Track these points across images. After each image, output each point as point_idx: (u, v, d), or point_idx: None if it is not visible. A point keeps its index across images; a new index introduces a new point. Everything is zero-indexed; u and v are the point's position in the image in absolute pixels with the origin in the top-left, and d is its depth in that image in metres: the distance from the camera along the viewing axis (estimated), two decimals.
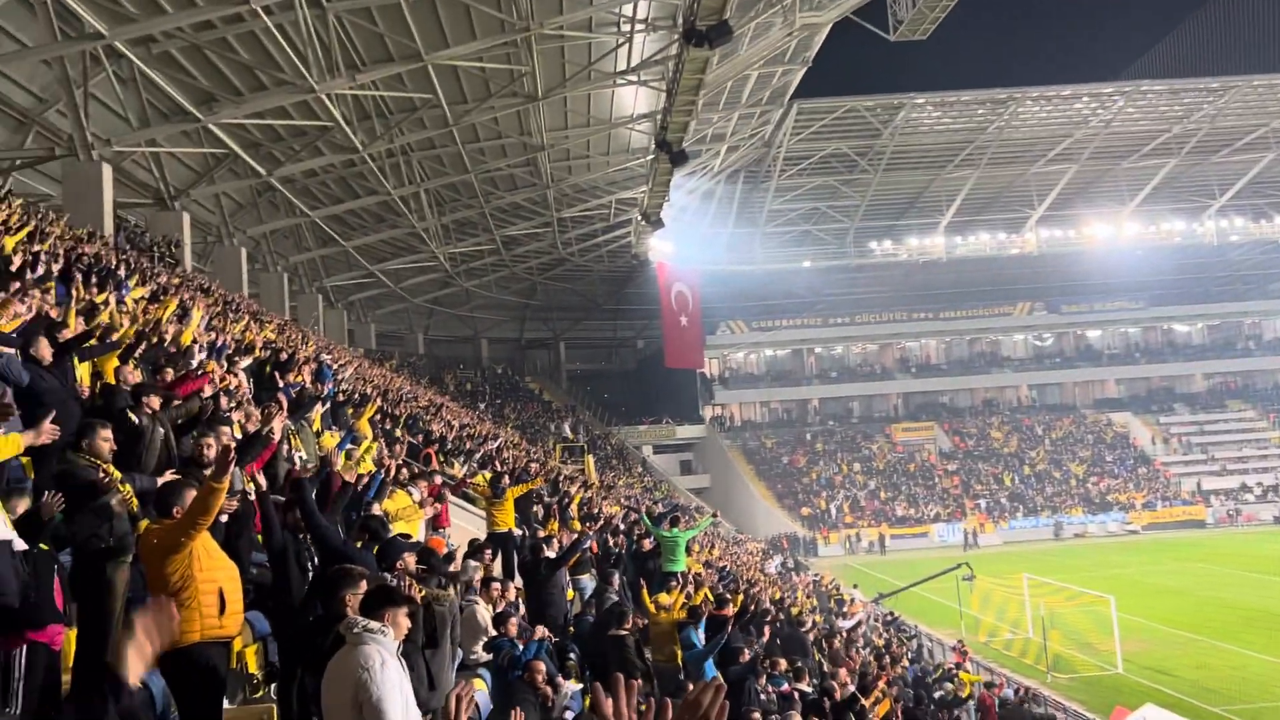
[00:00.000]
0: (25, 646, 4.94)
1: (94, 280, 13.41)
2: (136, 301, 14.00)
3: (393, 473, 10.44)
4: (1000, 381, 73.33)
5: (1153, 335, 76.04)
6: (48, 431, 4.79)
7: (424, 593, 6.52)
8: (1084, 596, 30.24)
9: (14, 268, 9.42)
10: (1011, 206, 69.18)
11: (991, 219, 70.25)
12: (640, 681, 9.82)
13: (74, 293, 10.42)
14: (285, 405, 9.23)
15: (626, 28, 34.38)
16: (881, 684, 14.63)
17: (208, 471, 6.29)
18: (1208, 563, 41.88)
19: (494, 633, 8.98)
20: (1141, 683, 23.68)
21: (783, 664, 12.51)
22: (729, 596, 13.47)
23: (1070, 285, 74.69)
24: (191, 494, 5.28)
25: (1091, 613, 29.09)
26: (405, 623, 4.60)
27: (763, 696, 11.18)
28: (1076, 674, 25.49)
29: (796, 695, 12.02)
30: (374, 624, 4.42)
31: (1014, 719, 17.88)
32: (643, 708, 1.83)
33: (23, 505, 5.21)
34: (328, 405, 15.01)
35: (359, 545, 7.01)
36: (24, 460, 6.51)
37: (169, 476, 6.82)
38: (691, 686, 1.81)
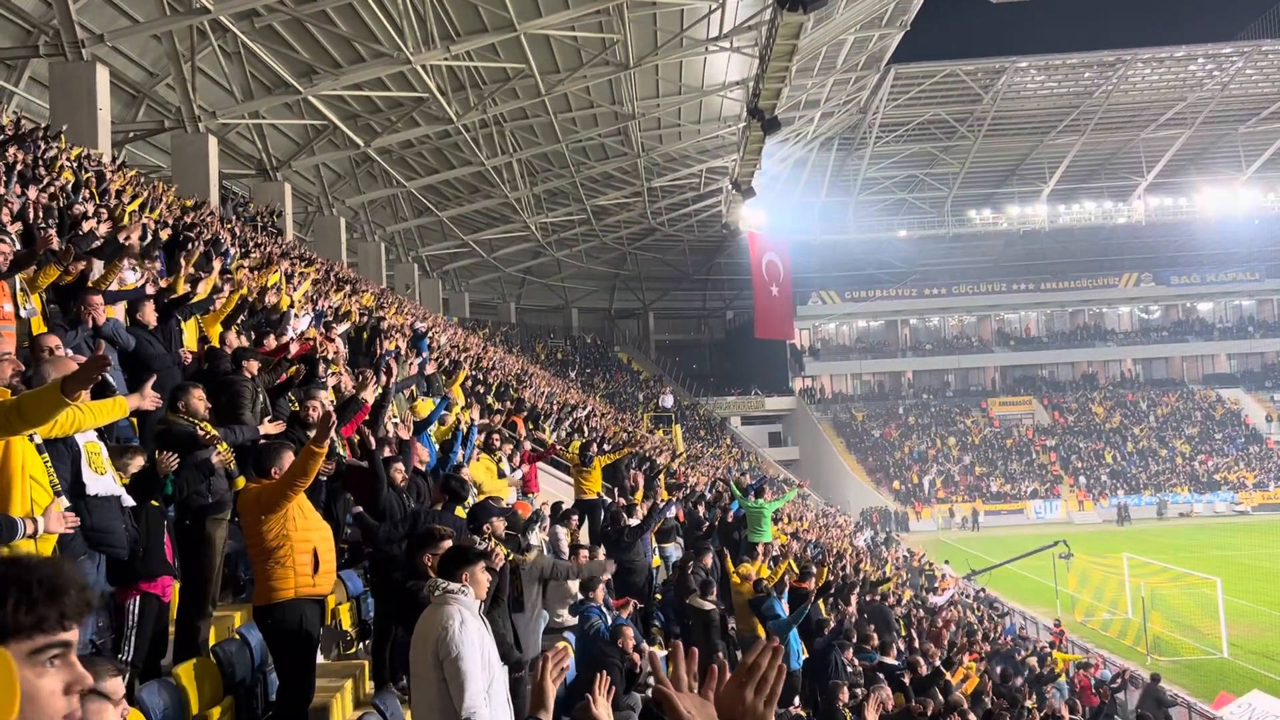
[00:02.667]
0: (139, 597, 5.19)
1: (200, 248, 13.89)
2: (240, 269, 14.46)
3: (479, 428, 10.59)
4: (1103, 355, 70.80)
5: (1268, 309, 72.42)
6: (151, 398, 4.97)
7: (510, 556, 6.62)
8: (1188, 578, 29.18)
9: (125, 237, 9.81)
10: (1118, 174, 66.63)
11: (1097, 187, 67.78)
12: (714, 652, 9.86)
13: (182, 261, 10.80)
14: (384, 372, 9.43)
15: None
16: (969, 660, 14.41)
17: (308, 434, 6.48)
18: None
19: (580, 597, 9.09)
20: (1248, 668, 22.79)
21: (874, 639, 12.40)
22: (814, 569, 13.38)
23: (1180, 256, 71.68)
24: (289, 455, 5.44)
25: (1196, 594, 28.07)
26: (485, 579, 4.69)
27: (849, 669, 11.11)
28: (1179, 657, 24.67)
29: (886, 669, 11.92)
30: (453, 584, 4.53)
31: (1151, 698, 17.38)
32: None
33: (136, 464, 5.43)
34: (423, 378, 15.28)
35: (439, 507, 7.12)
36: (132, 421, 6.81)
37: (270, 427, 7.04)
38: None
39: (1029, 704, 12.47)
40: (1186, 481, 58.20)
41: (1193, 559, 33.80)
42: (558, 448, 16.06)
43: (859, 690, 10.37)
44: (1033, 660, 19.59)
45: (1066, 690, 19.47)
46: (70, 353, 5.74)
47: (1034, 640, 25.05)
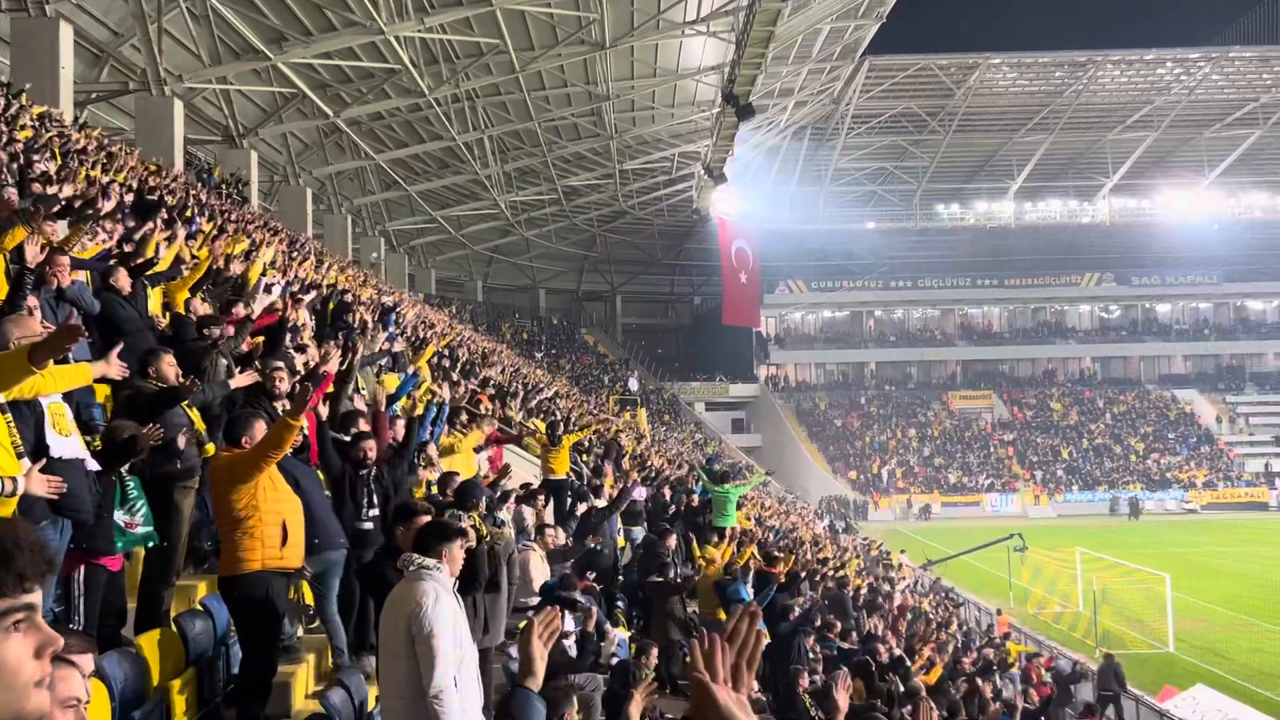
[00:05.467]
0: (83, 567, 5.04)
1: (165, 214, 13.61)
2: (205, 236, 14.19)
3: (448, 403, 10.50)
4: (1063, 353, 71.76)
5: (1224, 312, 73.76)
6: (117, 366, 4.82)
7: (486, 532, 6.55)
8: (1138, 573, 29.74)
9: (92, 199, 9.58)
10: (1085, 174, 67.38)
11: (1063, 186, 68.54)
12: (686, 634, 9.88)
13: (153, 224, 10.57)
14: (348, 346, 9.31)
15: None
16: (928, 649, 14.57)
17: (279, 404, 6.37)
18: (1269, 545, 40.88)
19: (547, 578, 9.05)
20: (1193, 663, 23.29)
21: (837, 625, 12.49)
22: (779, 555, 13.44)
23: (1141, 257, 72.66)
24: (260, 425, 5.34)
25: (1145, 590, 28.62)
26: (460, 556, 4.64)
27: (810, 655, 11.18)
28: (1127, 650, 25.09)
29: (845, 656, 12.00)
30: (429, 560, 4.46)
31: (1110, 673, 17.71)
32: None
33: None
34: (390, 354, 15.11)
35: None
36: (98, 388, 6.64)
37: (243, 378, 6.90)
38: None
39: (987, 693, 12.62)
40: (1139, 479, 59.24)
41: (1144, 555, 34.43)
42: (526, 428, 15.98)
43: (819, 677, 10.44)
44: (988, 650, 19.85)
45: (1019, 680, 19.76)
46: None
47: (988, 629, 25.40)
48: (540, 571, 9.15)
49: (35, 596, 1.34)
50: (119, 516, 5.08)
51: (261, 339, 8.87)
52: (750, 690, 1.68)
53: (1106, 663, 19.06)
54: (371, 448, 6.94)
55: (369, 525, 6.66)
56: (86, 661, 2.50)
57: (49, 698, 1.42)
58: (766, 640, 10.10)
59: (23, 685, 1.35)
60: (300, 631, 7.28)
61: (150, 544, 5.38)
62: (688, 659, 1.72)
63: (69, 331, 3.70)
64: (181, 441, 5.81)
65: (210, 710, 5.51)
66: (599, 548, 11.00)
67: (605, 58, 38.15)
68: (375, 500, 6.75)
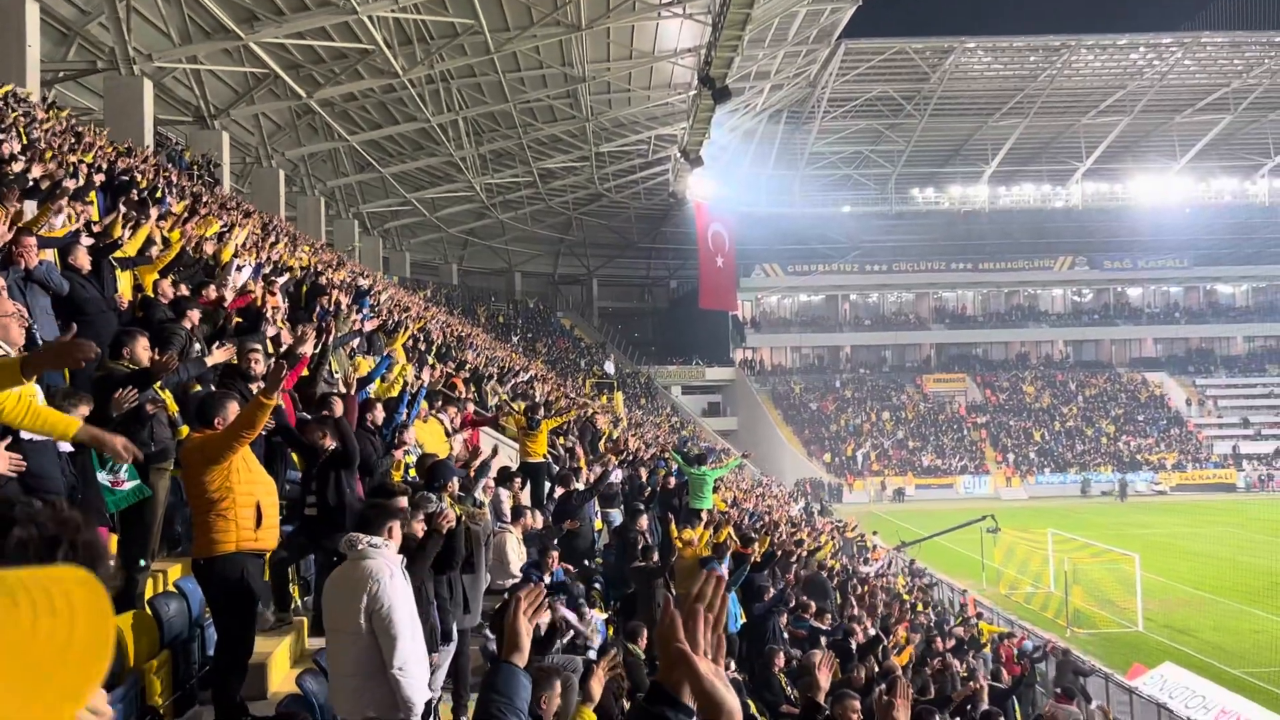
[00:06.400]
0: None
1: (136, 195, 13.44)
2: (177, 218, 14.02)
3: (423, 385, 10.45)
4: (1036, 336, 72.45)
5: (1195, 296, 74.66)
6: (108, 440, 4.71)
7: (462, 512, 6.55)
8: (1109, 554, 30.13)
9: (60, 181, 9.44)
10: (1058, 159, 67.78)
11: (1037, 170, 68.94)
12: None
13: (121, 206, 10.43)
14: (323, 328, 9.24)
15: None
16: (902, 630, 14.70)
17: (255, 386, 6.32)
18: (1236, 526, 41.50)
19: (525, 560, 9.05)
20: (1161, 641, 23.64)
21: (812, 606, 12.57)
22: (755, 536, 13.50)
23: (1113, 242, 73.40)
24: (234, 406, 5.30)
25: (1115, 570, 29.00)
26: (400, 533, 4.69)
27: (785, 635, 11.26)
28: (1097, 629, 25.48)
29: (819, 636, 12.09)
30: (376, 539, 4.51)
31: (1063, 671, 17.87)
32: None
33: (81, 411, 5.17)
34: (362, 334, 15.03)
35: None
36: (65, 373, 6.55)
37: (219, 354, 6.83)
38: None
39: (960, 672, 12.77)
40: (1110, 461, 59.95)
41: (1114, 536, 34.88)
42: (504, 409, 15.94)
43: (796, 653, 10.52)
44: (959, 630, 20.05)
45: (990, 660, 19.98)
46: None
47: (961, 610, 25.66)
48: (517, 554, 9.15)
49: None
50: (102, 478, 5.05)
51: (238, 319, 8.79)
52: (722, 656, 1.69)
53: (1063, 661, 19.07)
54: (324, 435, 6.85)
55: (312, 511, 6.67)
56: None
57: None
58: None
59: None
60: (271, 616, 7.26)
61: (144, 496, 5.37)
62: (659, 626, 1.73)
63: (70, 349, 3.58)
64: (150, 410, 5.75)
65: (186, 692, 5.49)
66: (576, 533, 11.00)
67: (581, 39, 37.94)
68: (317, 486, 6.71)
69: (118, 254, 8.74)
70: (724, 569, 11.32)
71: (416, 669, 4.39)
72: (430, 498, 6.14)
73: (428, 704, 4.91)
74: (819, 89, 56.71)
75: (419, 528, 5.44)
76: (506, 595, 8.86)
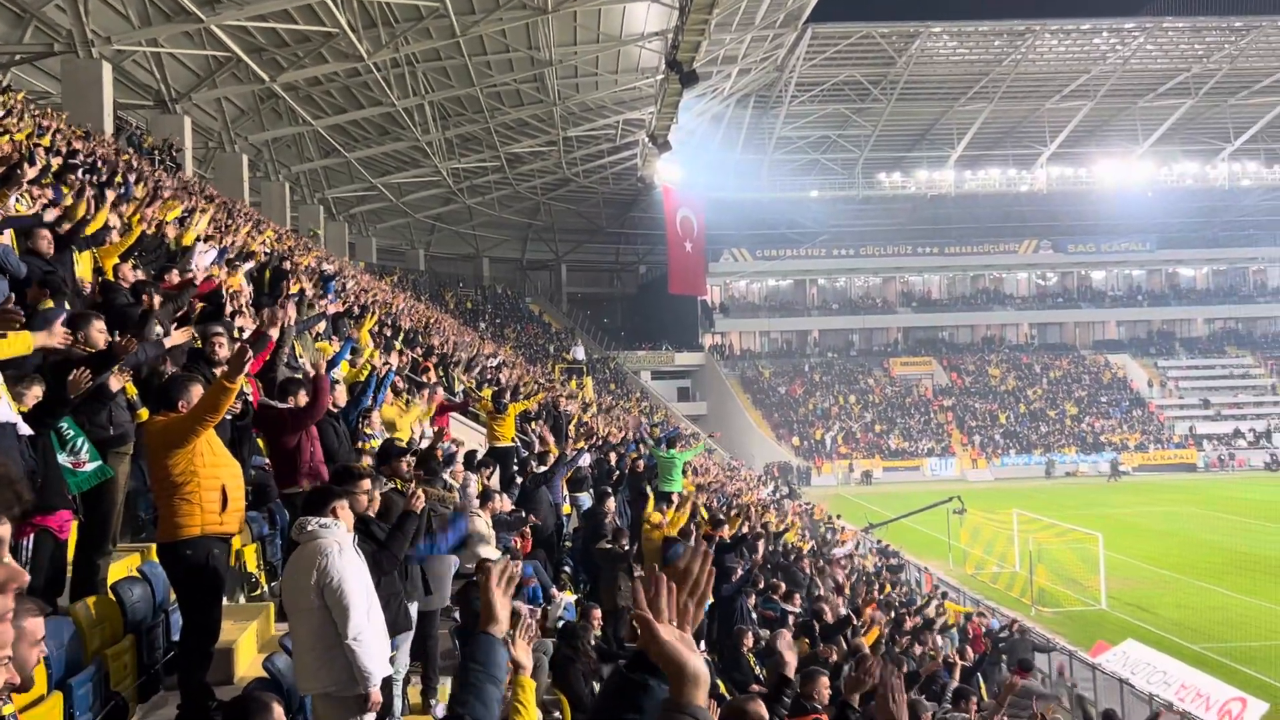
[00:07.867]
0: (33, 533, 4.93)
1: (96, 179, 13.23)
2: (138, 202, 13.82)
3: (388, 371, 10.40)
4: (1001, 319, 73.19)
5: (1157, 278, 75.74)
6: (60, 335, 4.69)
7: (428, 494, 6.53)
8: (1072, 533, 30.56)
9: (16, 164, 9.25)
10: (1023, 143, 68.31)
11: (1003, 154, 69.44)
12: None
13: (83, 190, 10.26)
14: (288, 312, 9.14)
15: None
16: (870, 610, 14.85)
17: (219, 370, 6.25)
18: (1196, 505, 42.26)
19: (492, 544, 9.04)
20: (1124, 619, 24.03)
21: (781, 586, 12.66)
22: (724, 518, 13.58)
23: (1077, 225, 74.19)
24: (197, 389, 5.24)
25: (1079, 550, 29.43)
26: (348, 514, 4.73)
27: (754, 616, 11.33)
28: (1061, 608, 25.87)
29: (788, 616, 12.19)
30: (323, 519, 4.57)
31: (1016, 650, 18.10)
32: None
33: (33, 393, 5.08)
34: (326, 317, 14.92)
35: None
36: None
37: (178, 335, 6.74)
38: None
39: (929, 650, 12.93)
40: (1073, 442, 60.77)
41: (1078, 516, 35.37)
42: (471, 396, 15.89)
43: (763, 637, 10.60)
44: (928, 609, 20.30)
45: (957, 638, 20.24)
46: None
47: (929, 592, 25.93)
48: (487, 537, 9.13)
49: (4, 530, 1.31)
50: (63, 459, 5.00)
51: (202, 305, 8.68)
52: (695, 625, 1.70)
53: (1019, 640, 19.09)
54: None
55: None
56: (36, 626, 2.45)
57: (10, 632, 1.39)
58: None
59: None
60: (243, 600, 7.22)
61: (106, 476, 5.32)
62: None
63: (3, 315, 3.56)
64: (115, 384, 5.68)
65: (151, 678, 5.45)
66: (539, 522, 10.98)
67: (547, 22, 37.71)
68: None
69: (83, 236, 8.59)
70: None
71: (373, 640, 4.45)
72: (382, 481, 6.19)
73: (387, 680, 4.96)
74: (786, 73, 56.75)
75: (365, 502, 5.44)
76: (475, 575, 8.87)
